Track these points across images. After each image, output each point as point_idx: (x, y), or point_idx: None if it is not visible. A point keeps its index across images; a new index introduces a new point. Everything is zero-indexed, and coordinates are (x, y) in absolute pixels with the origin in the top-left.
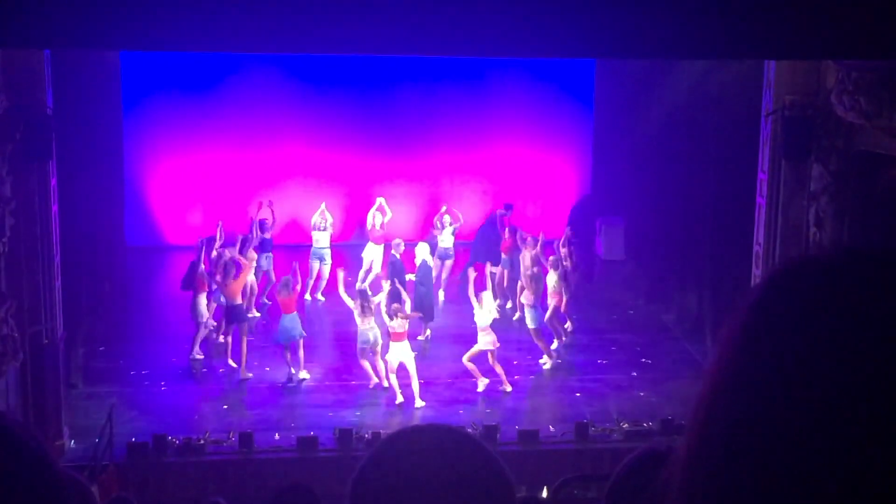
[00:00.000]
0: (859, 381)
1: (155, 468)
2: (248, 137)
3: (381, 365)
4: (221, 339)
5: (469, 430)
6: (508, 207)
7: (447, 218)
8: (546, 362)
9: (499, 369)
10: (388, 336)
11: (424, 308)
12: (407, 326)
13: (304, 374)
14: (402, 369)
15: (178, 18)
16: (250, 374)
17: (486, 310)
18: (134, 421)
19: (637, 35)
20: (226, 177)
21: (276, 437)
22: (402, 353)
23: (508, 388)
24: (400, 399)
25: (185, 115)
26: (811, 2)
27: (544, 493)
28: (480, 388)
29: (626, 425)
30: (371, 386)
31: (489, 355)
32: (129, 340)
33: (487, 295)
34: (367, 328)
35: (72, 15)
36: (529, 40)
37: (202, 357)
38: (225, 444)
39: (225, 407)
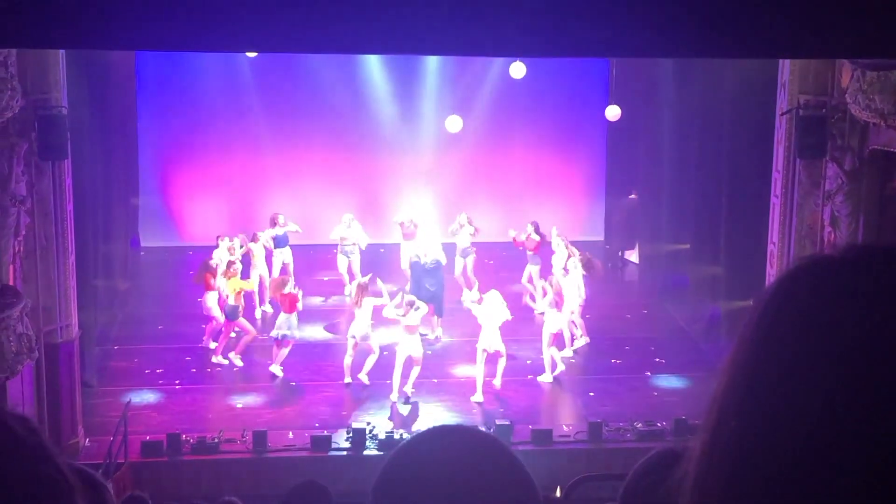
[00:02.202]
0: (874, 377)
1: (169, 467)
2: (263, 136)
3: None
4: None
5: (482, 429)
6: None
7: (463, 216)
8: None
9: (499, 369)
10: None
11: (435, 305)
12: (419, 321)
13: (276, 370)
14: (408, 362)
15: (193, 19)
16: (240, 363)
17: (488, 309)
18: (148, 419)
19: (651, 34)
20: (240, 175)
21: (290, 435)
22: (412, 347)
23: (497, 384)
24: (394, 397)
25: (200, 115)
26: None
27: (557, 493)
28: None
29: (639, 425)
30: (345, 383)
31: (485, 356)
32: (143, 339)
33: (491, 294)
34: (360, 320)
35: (86, 15)
36: (543, 40)
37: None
38: (239, 442)
39: (239, 406)
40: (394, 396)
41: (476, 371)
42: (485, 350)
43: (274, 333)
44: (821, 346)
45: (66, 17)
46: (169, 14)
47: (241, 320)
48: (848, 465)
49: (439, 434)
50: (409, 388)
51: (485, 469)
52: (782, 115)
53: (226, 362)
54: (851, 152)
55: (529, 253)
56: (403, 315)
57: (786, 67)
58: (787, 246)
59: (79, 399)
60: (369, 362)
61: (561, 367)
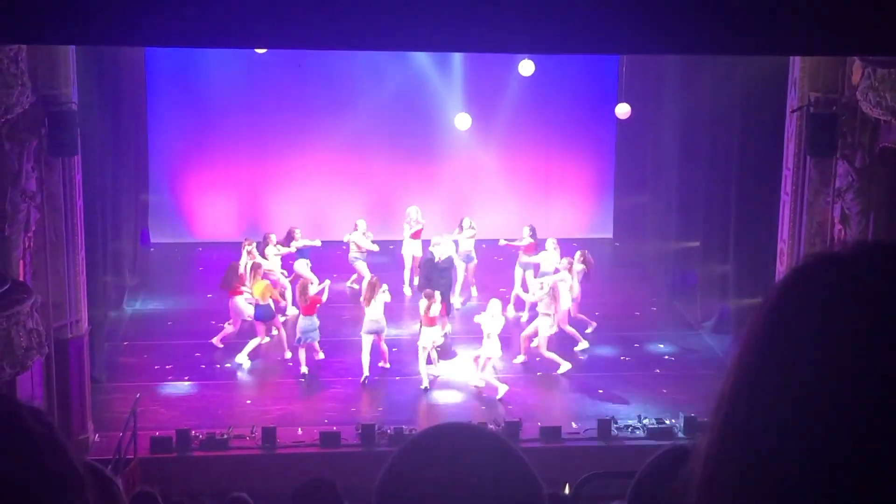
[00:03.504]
0: (883, 374)
1: (178, 463)
2: (273, 133)
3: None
4: (267, 339)
5: (491, 426)
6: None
7: (467, 220)
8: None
9: (486, 374)
10: (421, 322)
11: (444, 301)
12: (438, 312)
13: (303, 369)
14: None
15: (203, 15)
16: (248, 363)
17: (490, 316)
18: (158, 415)
19: (661, 31)
20: (251, 172)
21: (299, 431)
22: (434, 338)
23: (481, 384)
24: (426, 384)
25: (210, 111)
26: None
27: (566, 490)
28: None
29: (648, 422)
30: (361, 380)
31: (485, 362)
32: (153, 335)
33: (494, 302)
34: (372, 318)
35: (96, 11)
36: (553, 37)
37: (222, 346)
38: (248, 438)
39: (248, 402)
40: (425, 384)
41: (486, 376)
42: (481, 356)
43: (299, 339)
44: (829, 343)
45: (76, 14)
46: (179, 11)
47: (270, 323)
48: (857, 463)
49: (442, 431)
50: (434, 370)
51: (488, 466)
52: (792, 112)
53: (248, 364)
54: (862, 150)
55: (524, 258)
56: (426, 307)
57: (796, 64)
58: (797, 243)
59: (88, 394)
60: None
61: (567, 365)
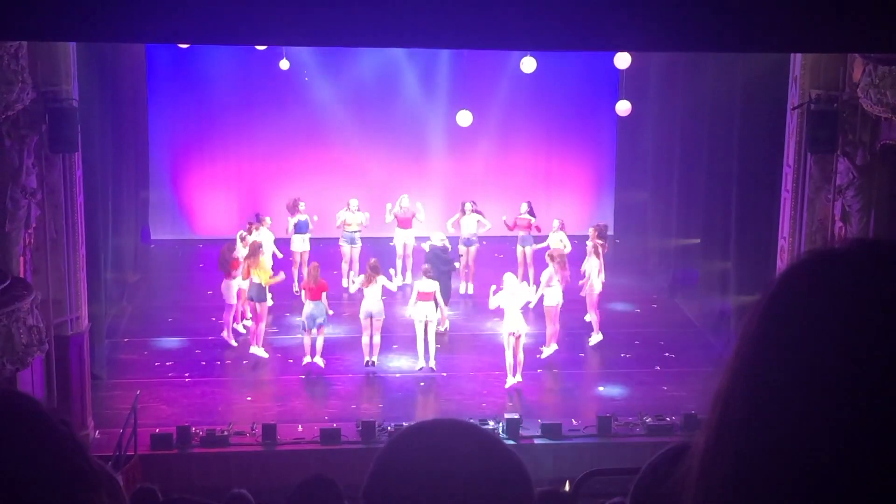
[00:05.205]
0: (878, 371)
1: (179, 459)
2: (273, 129)
3: (375, 341)
4: (245, 324)
5: (491, 422)
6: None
7: (468, 205)
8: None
9: (520, 357)
10: (417, 296)
11: (441, 290)
12: (433, 287)
13: (318, 360)
14: (426, 329)
15: (202, 12)
16: (265, 354)
17: (508, 293)
18: (158, 412)
19: (662, 28)
20: (251, 168)
21: (300, 428)
22: (427, 312)
23: (518, 379)
24: (421, 364)
25: (210, 107)
26: None
27: (566, 487)
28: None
29: (649, 420)
30: (365, 363)
31: (513, 340)
32: (153, 332)
33: (507, 278)
34: (372, 299)
35: (98, 7)
36: (554, 33)
37: (236, 345)
38: (248, 435)
39: (248, 398)
40: (420, 363)
41: (507, 356)
42: (511, 334)
43: (303, 322)
44: (824, 340)
45: (77, 10)
46: (179, 7)
47: (259, 305)
48: (852, 460)
49: (429, 427)
50: (432, 355)
51: (476, 461)
52: (793, 109)
53: (265, 355)
54: (863, 147)
55: (521, 234)
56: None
57: (797, 62)
58: (798, 241)
59: (88, 391)
60: (375, 344)
61: (553, 347)
